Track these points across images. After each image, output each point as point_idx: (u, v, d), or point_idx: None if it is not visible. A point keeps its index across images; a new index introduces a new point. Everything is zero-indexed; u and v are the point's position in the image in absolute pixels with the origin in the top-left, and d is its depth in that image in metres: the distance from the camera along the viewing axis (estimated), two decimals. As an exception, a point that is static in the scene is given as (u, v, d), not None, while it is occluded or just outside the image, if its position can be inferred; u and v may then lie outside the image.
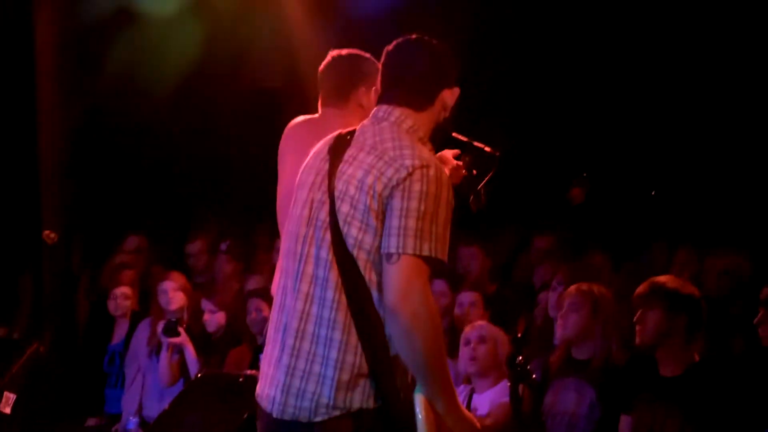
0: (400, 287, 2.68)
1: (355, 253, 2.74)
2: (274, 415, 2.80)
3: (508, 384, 3.74)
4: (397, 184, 2.72)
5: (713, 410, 3.87)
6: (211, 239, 7.00)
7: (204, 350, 5.79)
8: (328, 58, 3.82)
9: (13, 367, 5.21)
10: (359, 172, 2.77)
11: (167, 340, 5.76)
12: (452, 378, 2.89)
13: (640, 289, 4.14)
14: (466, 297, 5.47)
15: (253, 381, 4.63)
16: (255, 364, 5.24)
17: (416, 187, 2.71)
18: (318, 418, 2.74)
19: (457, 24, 7.05)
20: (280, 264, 3.00)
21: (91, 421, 6.25)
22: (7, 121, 7.45)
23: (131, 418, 5.77)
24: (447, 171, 2.95)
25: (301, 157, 3.10)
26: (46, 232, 6.63)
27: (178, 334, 5.74)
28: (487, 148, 3.32)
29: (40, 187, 6.96)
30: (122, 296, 6.42)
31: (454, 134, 3.23)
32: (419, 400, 2.77)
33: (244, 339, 5.77)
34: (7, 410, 5.01)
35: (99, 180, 8.15)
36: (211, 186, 8.57)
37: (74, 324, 6.93)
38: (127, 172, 8.42)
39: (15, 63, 7.29)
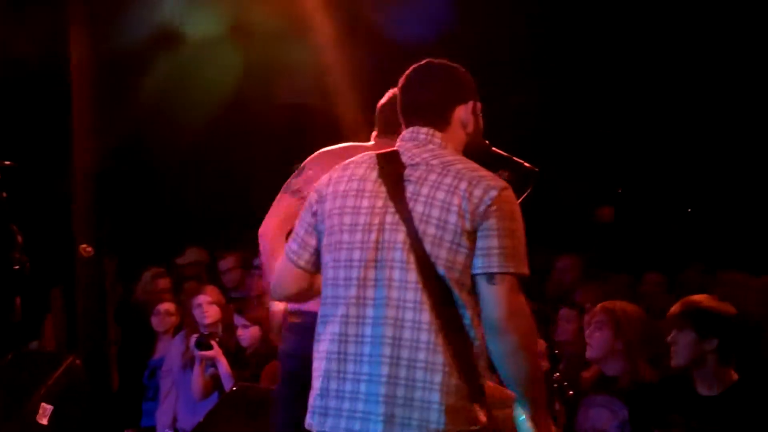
0: (508, 306, 2.72)
1: (445, 273, 2.74)
2: None
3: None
4: (491, 204, 2.75)
5: (752, 431, 3.86)
6: (244, 255, 7.04)
7: (238, 365, 5.81)
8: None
9: (50, 379, 5.24)
10: (440, 193, 2.78)
11: (200, 354, 5.79)
12: None
13: (673, 309, 4.12)
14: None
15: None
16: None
17: (506, 207, 2.78)
18: None
19: (487, 45, 7.11)
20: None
21: (126, 434, 6.30)
22: (43, 136, 7.55)
23: (166, 430, 5.80)
24: None
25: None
26: (83, 245, 6.69)
27: (210, 348, 5.77)
28: (526, 164, 3.35)
29: (73, 202, 7.04)
30: (165, 312, 6.46)
31: (492, 149, 3.27)
32: (523, 419, 2.80)
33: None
34: (44, 421, 5.04)
35: (133, 196, 8.24)
36: (243, 203, 8.63)
37: (108, 337, 6.99)
38: (161, 190, 8.50)
39: (51, 83, 7.40)
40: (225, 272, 7.05)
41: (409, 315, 2.74)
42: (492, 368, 2.82)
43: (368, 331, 2.77)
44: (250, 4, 7.34)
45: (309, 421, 2.88)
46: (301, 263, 2.98)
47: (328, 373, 2.82)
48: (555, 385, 3.60)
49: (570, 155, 7.80)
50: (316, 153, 3.78)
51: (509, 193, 2.82)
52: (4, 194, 4.77)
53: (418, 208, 2.78)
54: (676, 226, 7.31)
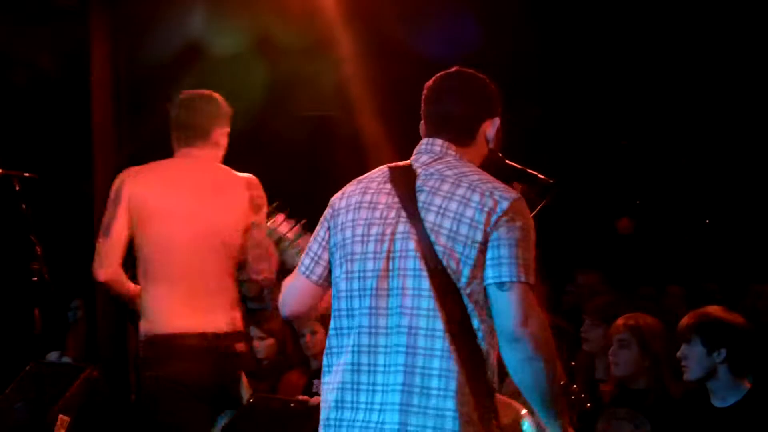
0: (521, 314, 2.71)
1: (456, 283, 2.75)
2: None
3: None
4: (501, 215, 2.76)
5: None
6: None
7: (255, 376, 5.81)
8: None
9: (68, 391, 5.26)
10: (452, 204, 2.80)
11: None
12: None
13: (682, 322, 4.12)
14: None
15: (305, 406, 4.71)
16: (308, 390, 5.27)
17: (518, 218, 2.78)
18: None
19: (506, 57, 7.10)
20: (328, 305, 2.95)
21: (143, 445, 6.30)
22: (65, 148, 7.61)
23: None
24: None
25: None
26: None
27: None
28: (540, 176, 3.34)
29: (94, 213, 7.08)
30: None
31: (507, 162, 3.26)
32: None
33: (295, 365, 5.80)
34: (62, 432, 5.07)
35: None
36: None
37: (127, 349, 7.00)
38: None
39: (73, 96, 7.46)
40: (244, 281, 7.05)
41: (422, 323, 2.75)
42: (501, 378, 2.82)
43: (382, 341, 2.79)
44: (270, 18, 7.37)
45: None
46: (314, 278, 3.00)
47: (343, 385, 2.83)
48: (573, 398, 3.58)
49: (588, 167, 7.79)
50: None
51: (521, 204, 2.82)
52: (24, 206, 4.79)
53: (429, 218, 2.79)
54: (694, 237, 7.27)
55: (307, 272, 3.00)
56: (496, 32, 7.29)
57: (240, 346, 4.08)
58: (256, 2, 7.27)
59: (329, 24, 7.42)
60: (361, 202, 2.92)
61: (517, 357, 2.72)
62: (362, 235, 2.87)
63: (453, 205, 2.79)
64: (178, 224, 4.06)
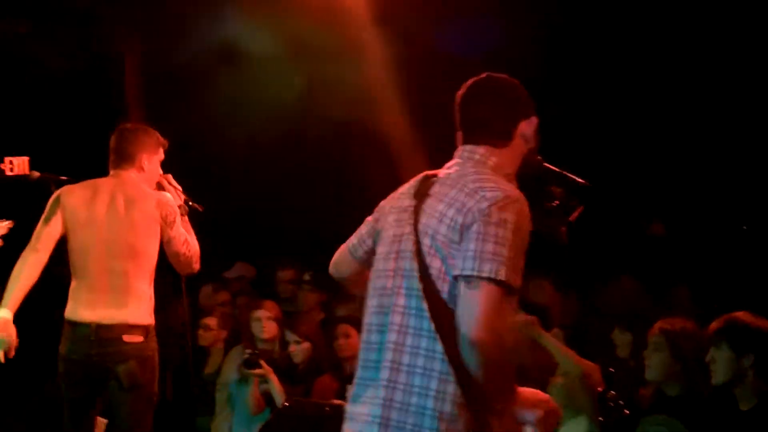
0: (480, 319, 2.64)
1: (438, 284, 2.76)
2: None
3: (600, 418, 3.72)
4: (478, 213, 2.72)
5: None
6: (296, 270, 7.07)
7: (290, 380, 5.82)
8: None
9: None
10: (441, 205, 2.82)
11: (249, 373, 5.80)
12: None
13: (710, 327, 4.10)
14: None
15: (340, 410, 4.70)
16: (341, 394, 5.27)
17: (496, 214, 2.71)
18: None
19: (533, 59, 7.08)
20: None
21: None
22: (97, 152, 7.65)
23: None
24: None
25: None
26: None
27: (259, 367, 5.78)
28: (579, 179, 3.32)
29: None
30: (205, 327, 6.55)
31: (545, 165, 3.24)
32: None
33: (329, 369, 5.81)
34: (100, 437, 5.09)
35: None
36: (296, 217, 8.66)
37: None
38: (216, 203, 8.56)
39: (107, 99, 7.52)
40: (281, 282, 7.09)
41: (412, 322, 2.79)
42: None
43: (376, 338, 2.87)
44: (299, 23, 7.40)
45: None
46: (356, 255, 3.16)
47: (358, 380, 2.93)
48: (611, 404, 3.54)
49: (618, 170, 7.73)
50: None
51: (507, 203, 2.73)
52: None
53: (422, 220, 2.86)
54: (731, 242, 7.20)
55: (352, 248, 3.18)
56: (522, 29, 7.28)
57: (127, 337, 4.64)
58: (285, 8, 7.30)
59: (357, 28, 7.44)
60: (394, 206, 3.02)
61: (469, 359, 2.67)
62: (386, 237, 2.98)
63: (441, 206, 2.82)
64: (94, 231, 4.74)
